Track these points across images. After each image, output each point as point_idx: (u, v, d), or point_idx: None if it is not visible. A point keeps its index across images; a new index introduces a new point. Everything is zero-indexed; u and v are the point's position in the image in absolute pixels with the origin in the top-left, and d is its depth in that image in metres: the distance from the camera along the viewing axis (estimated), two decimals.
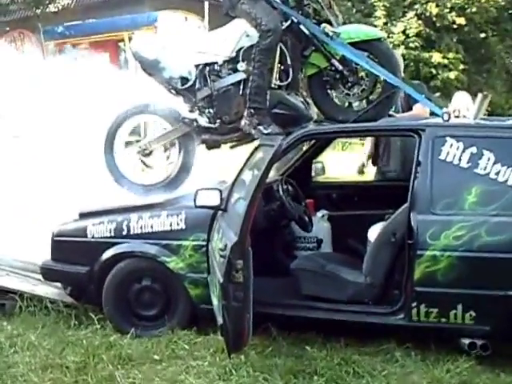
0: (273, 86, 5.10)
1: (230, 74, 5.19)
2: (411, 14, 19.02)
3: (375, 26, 18.95)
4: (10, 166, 6.91)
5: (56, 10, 18.84)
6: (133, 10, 17.15)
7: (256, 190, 4.14)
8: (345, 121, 4.99)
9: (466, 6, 19.12)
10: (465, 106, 6.09)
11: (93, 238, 5.06)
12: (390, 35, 18.78)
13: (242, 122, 5.09)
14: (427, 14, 19.01)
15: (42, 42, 16.75)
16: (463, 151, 4.36)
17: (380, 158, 6.51)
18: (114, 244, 4.98)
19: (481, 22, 19.70)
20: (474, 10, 19.11)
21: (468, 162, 4.35)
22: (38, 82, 7.68)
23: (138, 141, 5.65)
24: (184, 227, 4.81)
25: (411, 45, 18.83)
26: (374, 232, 4.87)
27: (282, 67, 5.15)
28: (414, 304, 4.32)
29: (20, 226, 6.19)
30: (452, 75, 18.81)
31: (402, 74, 5.23)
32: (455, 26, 19.28)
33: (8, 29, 18.05)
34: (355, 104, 5.23)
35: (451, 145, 4.40)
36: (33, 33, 17.19)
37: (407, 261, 4.37)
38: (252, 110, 5.02)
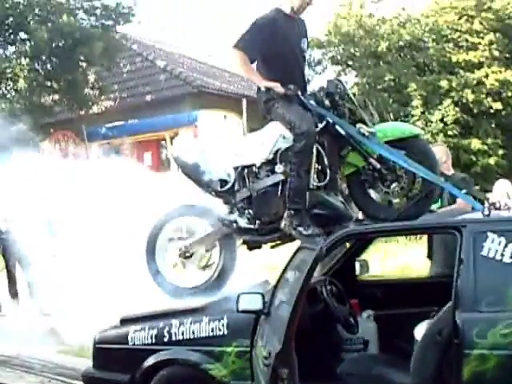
0: (311, 186, 5.09)
1: (268, 176, 5.22)
2: (448, 101, 19.11)
3: (412, 116, 19.16)
4: (53, 262, 6.97)
5: (99, 111, 19.35)
6: (173, 109, 17.59)
7: (299, 294, 4.12)
8: (386, 219, 4.93)
9: (502, 91, 19.23)
10: (506, 195, 6.05)
11: (134, 344, 5.01)
12: (428, 124, 18.88)
13: (282, 223, 5.07)
14: (463, 100, 19.10)
15: (86, 143, 17.20)
16: (505, 246, 4.26)
17: (434, 252, 6.43)
18: (155, 351, 4.91)
19: None
20: (509, 94, 19.21)
21: (511, 257, 4.24)
22: (81, 187, 7.84)
23: (179, 244, 5.68)
24: (226, 333, 4.74)
25: (450, 132, 18.84)
26: (420, 330, 4.77)
27: (320, 167, 5.16)
28: None
29: (63, 334, 6.21)
30: (492, 161, 18.75)
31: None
32: (492, 111, 19.35)
33: (52, 130, 18.58)
34: (395, 201, 5.21)
35: (493, 240, 4.29)
36: (76, 134, 17.69)
37: (455, 360, 4.20)
38: (291, 211, 5.01)
